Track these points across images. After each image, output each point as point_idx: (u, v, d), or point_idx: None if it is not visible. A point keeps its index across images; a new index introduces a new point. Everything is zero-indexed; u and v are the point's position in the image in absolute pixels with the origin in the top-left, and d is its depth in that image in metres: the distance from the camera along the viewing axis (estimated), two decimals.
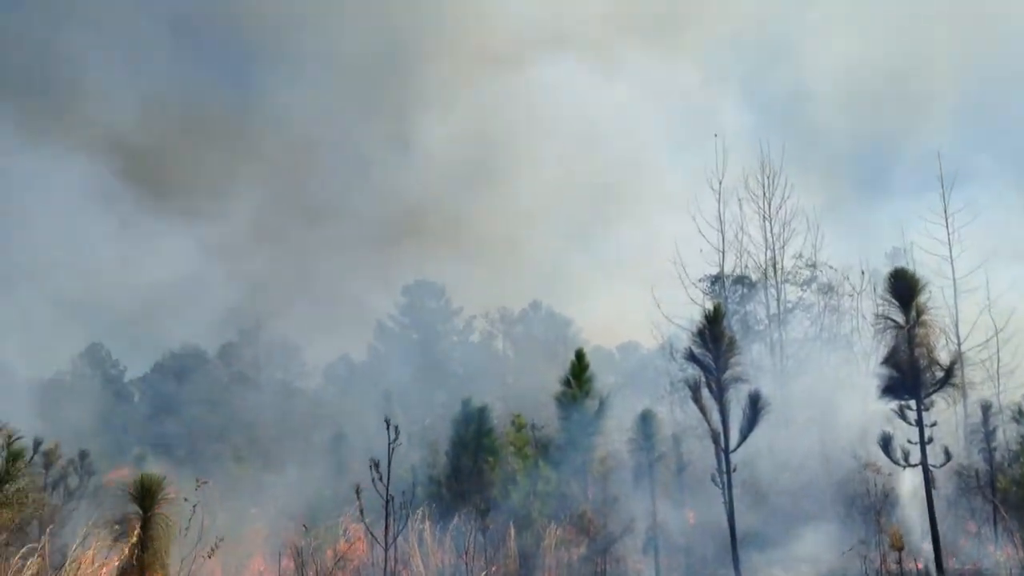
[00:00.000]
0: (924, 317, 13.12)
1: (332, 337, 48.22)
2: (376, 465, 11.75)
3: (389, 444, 11.74)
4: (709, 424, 13.39)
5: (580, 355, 20.49)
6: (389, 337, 53.21)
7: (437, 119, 48.44)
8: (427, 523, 18.00)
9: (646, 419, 17.45)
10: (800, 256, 24.86)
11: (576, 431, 19.58)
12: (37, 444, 13.14)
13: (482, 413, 21.56)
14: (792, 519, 17.69)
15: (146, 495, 11.91)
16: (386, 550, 12.11)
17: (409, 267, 50.56)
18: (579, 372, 19.97)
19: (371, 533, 12.97)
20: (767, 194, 24.63)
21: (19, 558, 11.81)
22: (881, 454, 14.04)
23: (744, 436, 13.35)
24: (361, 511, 12.54)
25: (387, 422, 11.81)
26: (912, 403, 13.10)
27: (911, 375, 13.01)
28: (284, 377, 49.61)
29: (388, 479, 11.74)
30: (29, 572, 11.55)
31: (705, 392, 13.51)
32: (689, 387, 13.78)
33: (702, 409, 13.42)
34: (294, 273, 44.25)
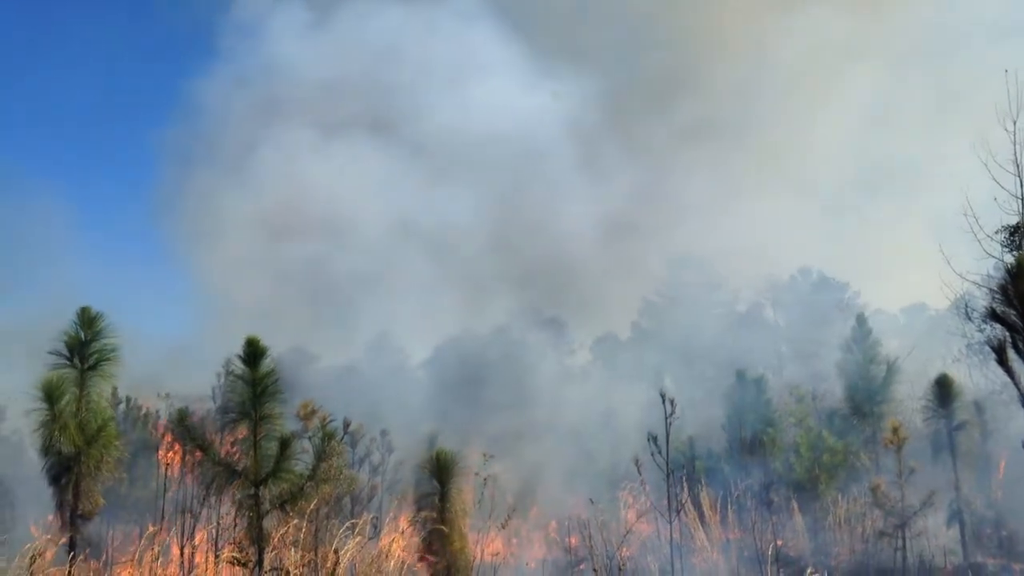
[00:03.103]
0: None
1: (596, 316, 48.71)
2: (654, 439, 11.79)
3: (666, 418, 11.70)
4: (1018, 388, 12.14)
5: (861, 320, 19.42)
6: (654, 312, 53.00)
7: (709, 67, 45.99)
8: (706, 496, 17.88)
9: (942, 385, 16.18)
10: None
11: (862, 400, 18.61)
12: (346, 425, 14.51)
13: (757, 385, 21.01)
14: None
15: (442, 471, 12.80)
16: (671, 522, 12.15)
17: (670, 241, 49.61)
18: (861, 338, 18.92)
19: (654, 506, 13.08)
20: None
21: (343, 530, 13.13)
22: None
23: None
24: (643, 484, 12.71)
25: (662, 396, 11.80)
26: None
27: None
28: (555, 355, 51.03)
29: (667, 453, 11.74)
30: (354, 542, 12.82)
31: (1011, 353, 12.25)
32: (992, 348, 12.50)
33: (1009, 372, 12.16)
34: (556, 253, 44.75)
